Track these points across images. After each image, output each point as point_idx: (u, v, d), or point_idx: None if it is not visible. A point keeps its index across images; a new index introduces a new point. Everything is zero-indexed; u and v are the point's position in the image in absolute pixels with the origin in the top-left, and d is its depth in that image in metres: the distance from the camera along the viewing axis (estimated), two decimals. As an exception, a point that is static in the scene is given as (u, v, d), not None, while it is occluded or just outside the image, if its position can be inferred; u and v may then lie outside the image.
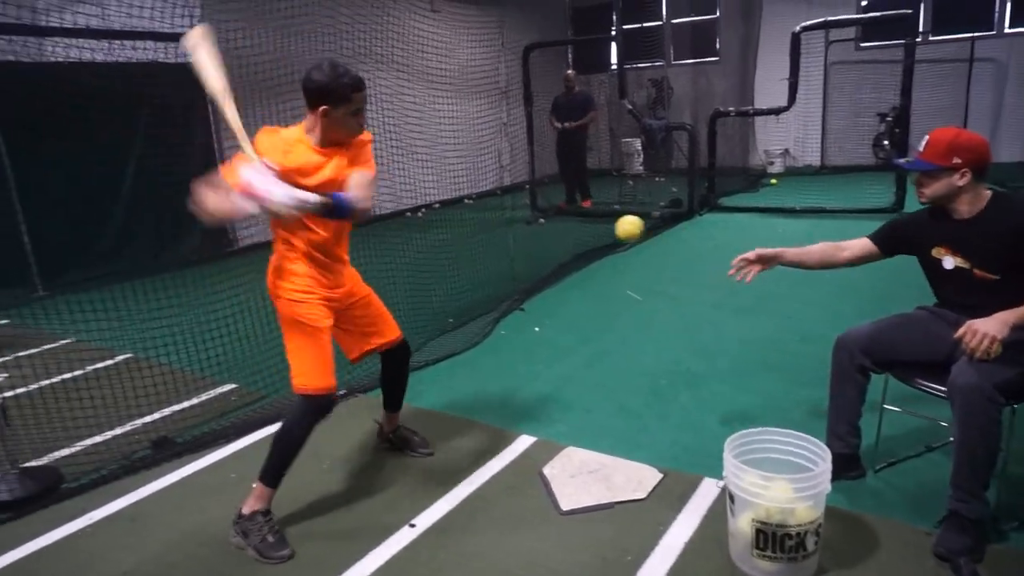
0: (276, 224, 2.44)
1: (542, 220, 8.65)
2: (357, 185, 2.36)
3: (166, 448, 3.25)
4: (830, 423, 2.64)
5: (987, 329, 2.13)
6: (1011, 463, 2.52)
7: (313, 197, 2.19)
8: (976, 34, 10.32)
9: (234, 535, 2.49)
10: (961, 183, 2.33)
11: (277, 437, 2.51)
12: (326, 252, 2.51)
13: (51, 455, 3.22)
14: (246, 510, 2.49)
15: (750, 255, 2.71)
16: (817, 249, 2.74)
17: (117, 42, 6.06)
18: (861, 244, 2.68)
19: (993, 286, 2.31)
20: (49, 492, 2.89)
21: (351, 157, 2.46)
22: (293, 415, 2.51)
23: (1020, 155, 10.16)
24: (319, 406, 2.49)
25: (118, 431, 3.46)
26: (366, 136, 2.54)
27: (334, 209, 2.26)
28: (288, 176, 2.26)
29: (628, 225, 2.56)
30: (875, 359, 2.51)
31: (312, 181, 2.35)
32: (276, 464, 2.50)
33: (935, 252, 2.48)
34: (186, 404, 3.76)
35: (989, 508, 2.22)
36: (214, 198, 2.19)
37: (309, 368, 2.47)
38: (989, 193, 2.37)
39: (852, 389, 2.56)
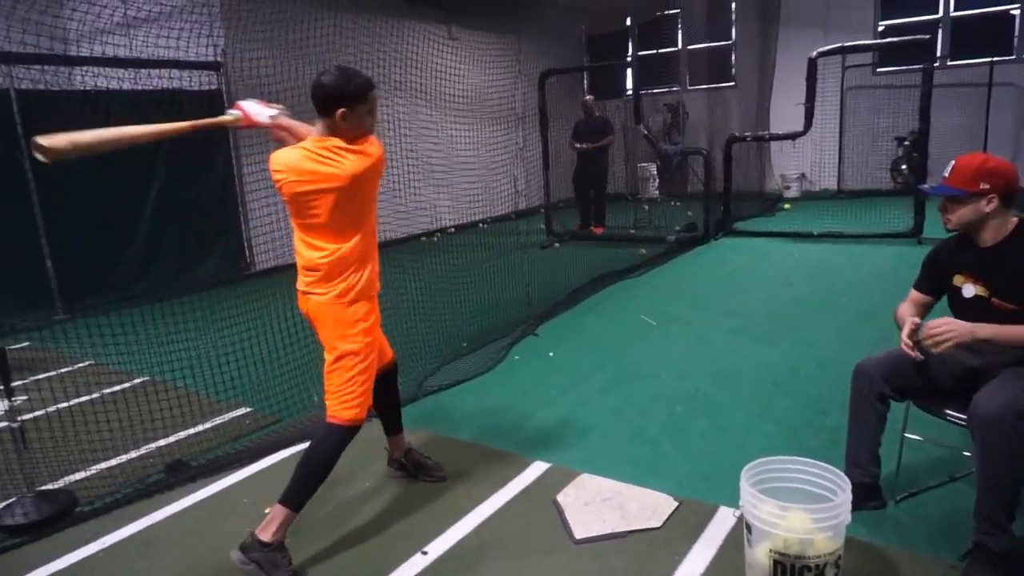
0: (359, 238, 2.44)
1: (557, 244, 8.66)
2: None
3: (180, 472, 3.25)
4: (849, 452, 2.59)
5: (954, 328, 2.18)
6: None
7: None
8: (995, 59, 10.28)
9: (246, 561, 2.40)
10: (988, 209, 2.29)
11: (309, 462, 2.49)
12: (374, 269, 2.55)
13: (67, 478, 3.24)
14: (268, 537, 2.40)
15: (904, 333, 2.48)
16: (909, 309, 2.55)
17: (144, 71, 6.22)
18: (915, 296, 2.58)
19: (1010, 315, 2.27)
20: (64, 515, 2.90)
21: None
22: (331, 442, 2.49)
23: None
24: (355, 433, 2.53)
25: (133, 454, 3.48)
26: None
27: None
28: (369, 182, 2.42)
29: None
30: (895, 386, 2.47)
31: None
32: (305, 489, 2.47)
33: (956, 280, 2.44)
34: (201, 428, 3.77)
35: (1016, 541, 2.16)
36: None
37: (360, 398, 2.49)
38: (1015, 220, 2.34)
39: (872, 417, 2.51)
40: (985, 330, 2.20)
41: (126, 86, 6.13)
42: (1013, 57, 10.47)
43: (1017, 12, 10.43)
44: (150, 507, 2.98)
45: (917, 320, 2.42)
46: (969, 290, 2.40)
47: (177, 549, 2.67)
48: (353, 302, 2.47)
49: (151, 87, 6.17)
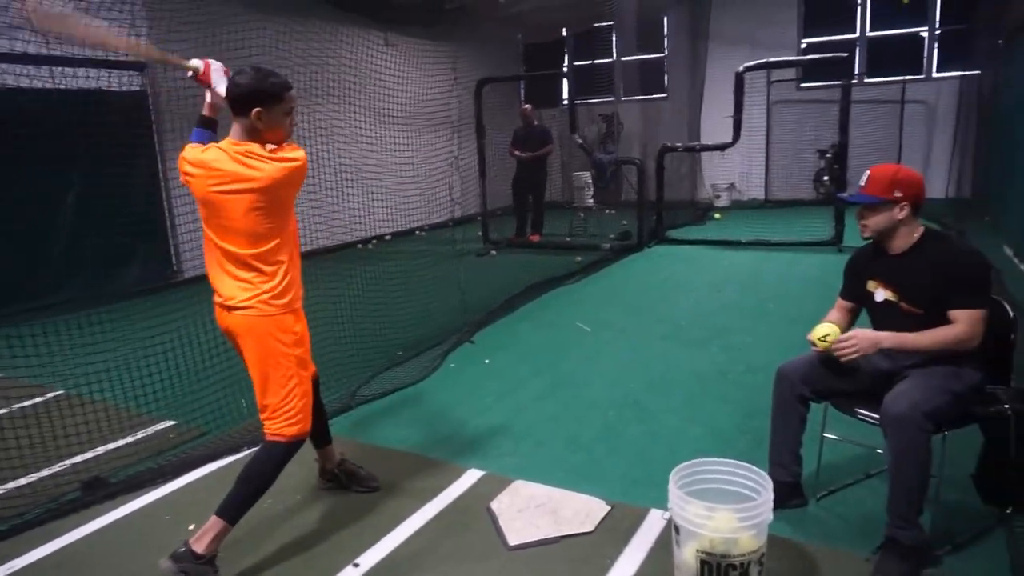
0: (278, 244, 2.36)
1: (493, 252, 8.69)
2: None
3: (98, 489, 3.10)
4: (772, 452, 2.68)
5: (857, 342, 2.34)
6: (944, 489, 2.59)
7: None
8: (907, 77, 10.88)
9: (176, 571, 2.31)
10: (900, 216, 2.42)
11: (248, 477, 2.42)
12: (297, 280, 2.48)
13: (-29, 499, 3.04)
14: (201, 549, 2.32)
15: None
16: (838, 320, 2.67)
17: (59, 69, 5.93)
18: (840, 304, 2.71)
19: (918, 319, 2.40)
20: (-33, 539, 2.72)
21: None
22: (273, 458, 2.43)
23: (949, 192, 10.67)
24: (297, 448, 2.47)
25: (45, 472, 3.29)
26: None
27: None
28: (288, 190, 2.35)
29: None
30: (814, 389, 2.57)
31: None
32: (244, 504, 2.41)
33: (869, 285, 2.57)
34: (121, 442, 3.60)
35: (925, 534, 2.27)
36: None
37: (301, 413, 2.43)
38: (922, 229, 2.47)
39: (793, 418, 2.61)
40: (888, 340, 2.34)
41: (38, 84, 5.83)
42: (923, 76, 11.11)
43: (927, 34, 11.07)
44: (64, 527, 2.83)
45: (822, 329, 2.53)
46: (880, 295, 2.52)
47: (93, 570, 2.54)
48: (281, 312, 2.39)
49: (68, 87, 5.89)
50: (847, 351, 2.37)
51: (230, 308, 2.38)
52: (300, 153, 2.34)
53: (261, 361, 2.39)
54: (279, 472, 2.46)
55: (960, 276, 2.32)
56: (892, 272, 2.49)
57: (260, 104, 2.27)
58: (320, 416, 2.93)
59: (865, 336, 2.37)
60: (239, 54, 5.32)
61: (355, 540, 2.65)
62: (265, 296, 2.36)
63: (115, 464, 3.35)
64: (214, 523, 2.36)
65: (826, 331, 2.50)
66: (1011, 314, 2.47)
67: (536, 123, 9.16)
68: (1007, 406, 2.41)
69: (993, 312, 2.41)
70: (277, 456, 2.44)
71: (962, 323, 2.30)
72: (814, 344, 2.52)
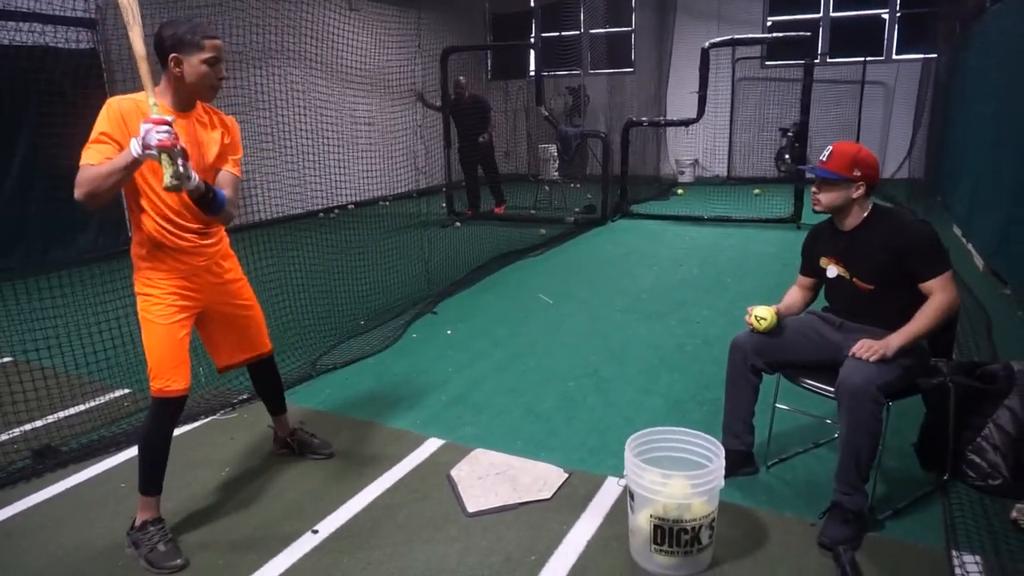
0: (130, 196, 2.30)
1: (458, 223, 8.65)
2: (231, 187, 2.40)
3: (49, 457, 3.04)
4: (725, 422, 2.75)
5: (876, 345, 2.32)
6: (887, 456, 2.70)
7: (195, 174, 2.16)
8: (867, 58, 11.05)
9: (127, 546, 2.40)
10: (856, 195, 2.48)
11: (139, 444, 2.43)
12: (180, 229, 2.36)
13: (-85, 467, 2.96)
14: (137, 521, 2.41)
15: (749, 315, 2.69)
16: (792, 298, 2.79)
17: (1, 23, 5.66)
18: (801, 279, 2.80)
19: (870, 295, 2.48)
20: (-89, 507, 2.65)
21: (223, 140, 2.42)
22: (148, 419, 2.43)
23: (904, 172, 10.94)
24: (168, 407, 2.39)
25: (-6, 440, 3.21)
26: (232, 121, 2.48)
27: (211, 198, 2.24)
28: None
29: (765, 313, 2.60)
30: (767, 360, 2.64)
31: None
32: (145, 472, 2.41)
33: (822, 262, 2.63)
34: (73, 410, 3.53)
35: (867, 499, 2.37)
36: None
37: (157, 368, 2.36)
38: (871, 206, 2.54)
39: (746, 388, 2.68)
40: (898, 340, 2.33)
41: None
42: (883, 58, 11.30)
43: (887, 17, 11.24)
44: (14, 496, 2.77)
45: (761, 311, 2.63)
46: (832, 271, 2.59)
47: (43, 538, 2.50)
48: (139, 266, 2.38)
49: (7, 42, 5.61)
50: (868, 355, 2.31)
51: None
52: (113, 100, 2.24)
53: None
54: (160, 432, 2.41)
55: (915, 248, 2.38)
56: (843, 249, 2.56)
57: (177, 51, 2.23)
58: (272, 388, 2.94)
59: (879, 344, 2.33)
60: (196, 13, 5.14)
61: (314, 507, 2.65)
62: (133, 247, 2.38)
63: (67, 432, 3.28)
64: (140, 499, 2.43)
65: (764, 315, 2.57)
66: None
67: (468, 95, 8.93)
68: (948, 379, 2.52)
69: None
70: (152, 413, 2.41)
71: (939, 291, 2.36)
72: (751, 325, 2.60)
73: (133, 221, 2.36)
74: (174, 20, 2.28)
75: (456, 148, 9.00)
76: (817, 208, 2.58)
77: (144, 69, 2.15)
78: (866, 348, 2.34)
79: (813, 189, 2.57)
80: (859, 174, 2.46)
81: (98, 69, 6.89)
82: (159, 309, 2.37)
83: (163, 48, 2.24)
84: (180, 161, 2.06)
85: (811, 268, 2.75)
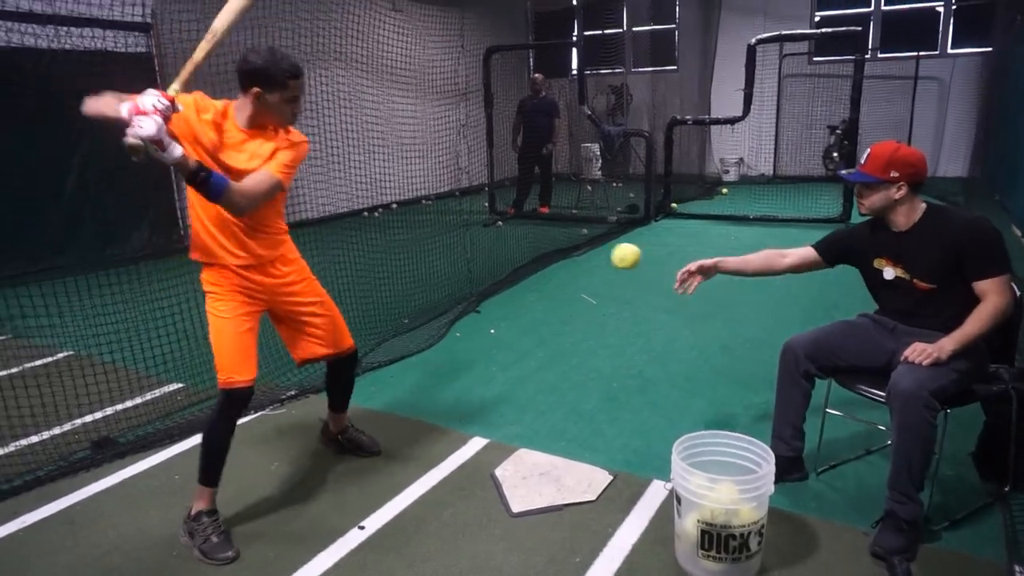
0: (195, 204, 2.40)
1: (500, 223, 8.67)
2: (250, 180, 2.28)
3: (107, 448, 3.15)
4: (775, 426, 2.70)
5: (929, 348, 2.26)
6: (943, 465, 2.63)
7: (178, 151, 2.03)
8: (921, 53, 10.72)
9: (183, 535, 2.47)
10: (897, 196, 2.41)
11: (202, 436, 2.51)
12: (219, 234, 2.42)
13: (-17, 456, 3.09)
14: (193, 511, 2.47)
15: (691, 266, 2.77)
16: (758, 257, 2.82)
17: (64, 29, 5.87)
18: (804, 252, 2.76)
19: (930, 294, 2.41)
20: (-20, 494, 2.77)
21: (279, 149, 2.42)
22: (214, 410, 2.49)
23: (960, 171, 10.59)
24: (234, 400, 2.45)
25: (56, 431, 3.34)
26: (300, 138, 2.49)
27: (201, 180, 2.08)
28: (196, 138, 2.27)
29: (625, 252, 2.66)
30: (819, 364, 2.58)
31: (227, 158, 2.33)
32: (206, 463, 2.47)
33: (876, 263, 2.57)
34: (130, 403, 3.65)
35: (923, 509, 2.30)
36: (102, 101, 2.21)
37: (222, 361, 2.43)
38: (924, 206, 2.47)
39: (797, 393, 2.63)
40: (951, 343, 2.28)
41: (44, 43, 5.78)
42: (937, 52, 10.95)
43: (942, 9, 10.88)
44: (74, 485, 2.88)
45: (707, 263, 2.76)
46: (889, 273, 2.52)
47: (102, 527, 2.59)
48: (202, 267, 2.50)
49: (71, 47, 5.82)
50: (922, 359, 2.26)
51: None
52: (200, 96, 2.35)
53: None
54: (224, 424, 2.46)
55: (973, 245, 2.31)
56: (899, 250, 2.49)
57: (261, 86, 2.28)
58: (341, 386, 2.99)
59: (932, 349, 2.27)
60: (246, 17, 5.26)
61: (360, 503, 2.69)
62: (190, 249, 2.49)
63: (124, 425, 3.40)
64: (197, 489, 2.49)
65: (625, 254, 2.74)
66: (1017, 293, 2.47)
67: (543, 93, 9.05)
68: (1010, 386, 2.43)
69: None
70: (216, 407, 2.48)
71: (994, 293, 2.29)
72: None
73: (195, 215, 2.46)
74: (259, 49, 2.31)
75: (519, 144, 9.03)
76: (863, 211, 2.53)
77: (189, 70, 2.20)
78: (918, 352, 2.28)
79: (856, 193, 2.52)
80: (896, 175, 2.39)
81: (152, 72, 7.10)
82: (222, 304, 2.46)
83: (246, 75, 2.29)
84: (153, 126, 1.97)
85: (834, 256, 2.70)
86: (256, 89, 2.28)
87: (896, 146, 2.44)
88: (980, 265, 2.31)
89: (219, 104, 2.38)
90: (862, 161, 2.48)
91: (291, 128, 2.49)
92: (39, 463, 3.01)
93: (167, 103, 2.04)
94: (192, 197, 2.37)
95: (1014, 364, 2.54)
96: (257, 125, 2.39)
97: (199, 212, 2.41)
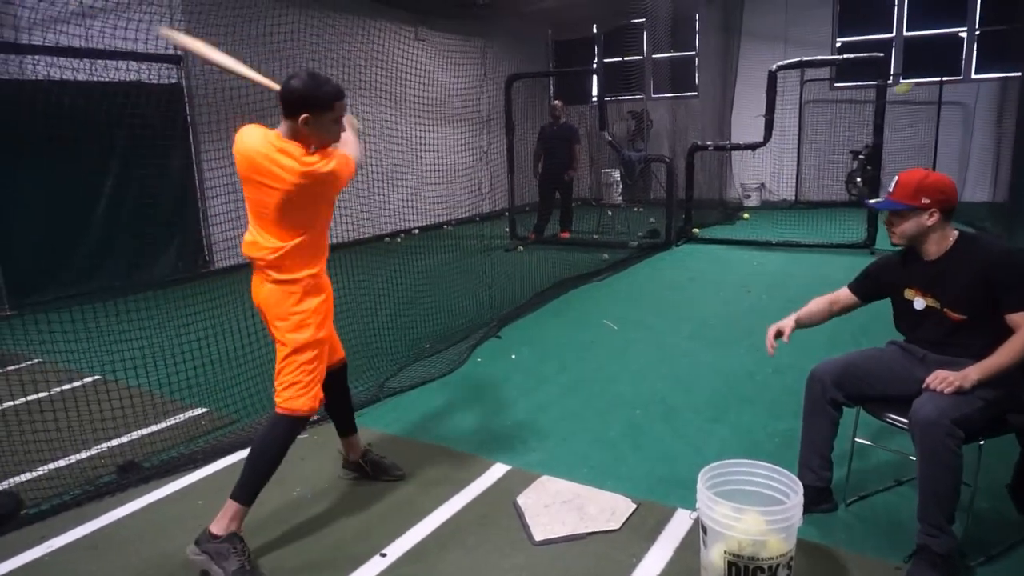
0: (307, 239, 2.44)
1: (520, 247, 8.69)
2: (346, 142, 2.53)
3: (132, 473, 3.17)
4: (802, 455, 2.66)
5: (952, 376, 2.23)
6: (979, 498, 2.55)
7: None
8: (944, 78, 10.66)
9: (198, 552, 2.42)
10: (930, 223, 2.38)
11: (256, 454, 2.48)
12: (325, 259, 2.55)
13: (12, 479, 3.13)
14: (218, 531, 2.41)
15: (772, 331, 2.69)
16: (817, 307, 2.73)
17: (99, 62, 6.06)
18: (845, 295, 2.72)
19: (962, 324, 2.37)
20: (9, 518, 2.80)
21: None
22: (280, 432, 2.48)
23: (987, 196, 10.44)
24: (304, 425, 2.52)
25: (83, 455, 3.38)
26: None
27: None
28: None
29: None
30: (847, 392, 2.54)
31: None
32: (254, 482, 2.46)
33: (907, 293, 2.52)
34: (154, 428, 3.69)
35: (957, 542, 2.24)
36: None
37: (310, 389, 2.48)
38: (956, 233, 2.43)
39: (824, 422, 2.58)
40: (976, 372, 2.24)
41: (80, 77, 5.96)
42: (961, 77, 10.87)
43: (965, 35, 10.83)
44: (99, 509, 2.90)
45: (784, 323, 2.67)
46: (920, 303, 2.48)
47: (127, 552, 2.61)
48: (303, 296, 2.48)
49: (107, 79, 6.01)
50: (944, 388, 2.23)
51: (260, 282, 2.50)
52: (329, 165, 2.36)
53: (281, 335, 2.48)
54: (286, 448, 2.49)
55: (1007, 277, 2.27)
56: (929, 279, 2.45)
57: (309, 111, 2.31)
58: (344, 405, 2.99)
59: (956, 377, 2.24)
60: (275, 48, 5.39)
61: (382, 529, 2.68)
62: (289, 276, 2.45)
63: (149, 449, 3.43)
64: (229, 505, 2.45)
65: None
66: None
67: (564, 120, 9.13)
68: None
69: None
70: (282, 430, 2.48)
71: None
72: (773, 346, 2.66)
73: (295, 259, 2.50)
74: (300, 74, 2.36)
75: (540, 170, 9.11)
76: (894, 240, 2.49)
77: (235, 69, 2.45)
78: (940, 379, 2.24)
79: (887, 223, 2.49)
80: (927, 201, 2.35)
81: (182, 102, 7.28)
82: (321, 331, 2.55)
83: (294, 103, 2.32)
84: None
85: (869, 292, 2.67)
86: (305, 115, 2.31)
87: (925, 172, 2.42)
88: (1013, 297, 2.26)
89: (250, 144, 2.40)
90: (890, 189, 2.46)
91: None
92: (66, 487, 3.04)
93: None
94: (320, 237, 2.50)
95: None
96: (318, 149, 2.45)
97: (316, 252, 2.51)
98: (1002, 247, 2.40)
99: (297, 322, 2.46)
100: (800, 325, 2.70)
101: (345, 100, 2.43)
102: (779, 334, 2.67)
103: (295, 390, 2.46)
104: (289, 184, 2.32)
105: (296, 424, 2.50)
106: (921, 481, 2.20)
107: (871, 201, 2.64)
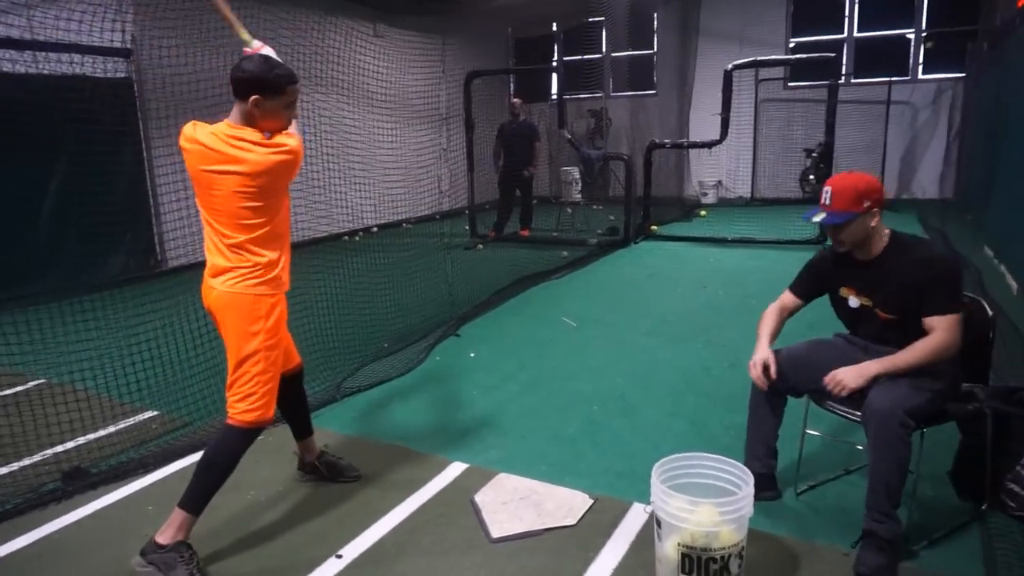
0: (267, 232, 2.37)
1: (480, 246, 8.68)
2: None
3: (79, 479, 3.07)
4: (748, 445, 2.71)
5: (845, 379, 2.32)
6: (922, 484, 2.64)
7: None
8: (893, 78, 10.98)
9: (144, 564, 2.37)
10: (874, 223, 2.40)
11: (207, 464, 2.42)
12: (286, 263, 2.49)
13: (-50, 488, 3.01)
14: (164, 540, 2.37)
15: (758, 368, 2.58)
16: (774, 322, 2.71)
17: (43, 54, 5.86)
18: (789, 300, 2.74)
19: (894, 323, 2.43)
20: (-55, 528, 2.69)
21: None
22: (232, 444, 2.43)
23: (935, 193, 10.79)
24: (256, 436, 2.46)
25: (26, 462, 3.26)
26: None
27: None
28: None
29: None
30: (791, 383, 2.59)
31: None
32: (203, 491, 2.41)
33: (842, 291, 2.58)
34: (103, 432, 3.58)
35: (902, 527, 2.31)
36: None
37: (263, 399, 2.42)
38: (888, 232, 2.46)
39: (768, 411, 2.63)
40: (874, 367, 2.33)
41: (21, 69, 5.75)
42: (908, 78, 11.21)
43: (912, 36, 11.17)
44: (44, 518, 2.81)
45: (762, 354, 2.59)
46: (854, 301, 2.53)
47: (73, 561, 2.53)
48: (258, 297, 2.39)
49: (49, 72, 5.81)
50: (839, 391, 2.34)
51: (211, 286, 2.40)
52: (293, 142, 2.33)
53: (232, 343, 2.41)
54: (237, 459, 2.45)
55: (933, 282, 2.31)
56: (864, 279, 2.48)
57: (260, 93, 2.27)
58: (300, 409, 2.94)
59: (852, 373, 2.34)
60: (228, 42, 5.27)
61: (338, 531, 2.65)
62: (249, 279, 2.37)
63: (97, 454, 3.33)
64: (176, 514, 2.39)
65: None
66: (989, 312, 2.51)
67: (523, 117, 9.14)
68: (984, 404, 2.46)
69: (971, 311, 2.45)
70: (235, 442, 2.43)
71: (941, 330, 2.30)
72: (764, 382, 2.56)
73: (255, 257, 2.42)
74: (255, 58, 2.33)
75: (500, 167, 9.10)
76: (842, 249, 2.49)
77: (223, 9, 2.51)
78: (835, 383, 2.34)
79: (831, 234, 2.48)
80: (869, 203, 2.37)
81: (132, 97, 7.08)
82: (274, 338, 2.47)
83: (244, 84, 2.27)
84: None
85: (810, 292, 2.69)
86: (256, 96, 2.27)
87: (857, 177, 2.42)
88: (933, 301, 2.31)
89: (201, 134, 2.32)
90: (826, 201, 2.42)
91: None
92: (7, 496, 2.93)
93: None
94: (282, 236, 2.43)
95: (988, 383, 2.57)
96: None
97: (276, 246, 2.43)
98: (932, 252, 2.41)
99: (246, 327, 2.38)
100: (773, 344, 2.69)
101: (298, 86, 2.39)
102: (766, 367, 2.56)
103: (249, 402, 2.40)
104: (251, 166, 2.24)
105: (248, 435, 2.44)
106: (872, 470, 2.26)
107: (818, 218, 2.47)
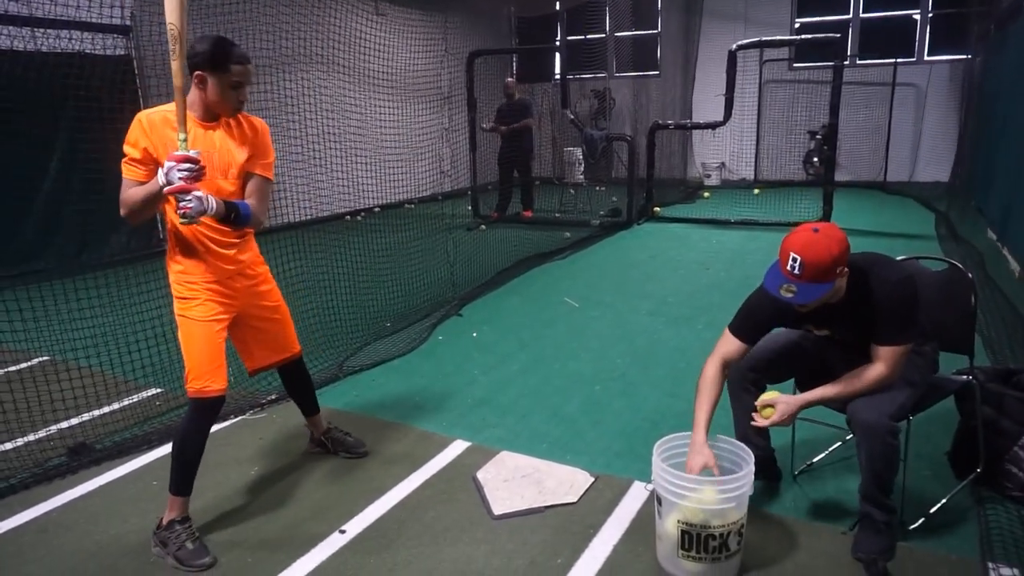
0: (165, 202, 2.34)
1: (483, 226, 8.67)
2: (258, 194, 2.43)
3: (83, 455, 3.10)
4: (737, 430, 2.63)
5: (782, 413, 2.29)
6: (919, 465, 2.66)
7: (215, 203, 2.20)
8: (898, 59, 10.89)
9: (154, 545, 2.44)
10: (843, 282, 2.23)
11: (177, 444, 2.46)
12: (212, 240, 2.43)
13: (-44, 463, 3.04)
14: (164, 521, 2.44)
15: (696, 470, 2.25)
16: (716, 391, 2.40)
17: (41, 31, 5.81)
18: (734, 349, 2.42)
19: (856, 348, 2.35)
20: (-48, 502, 2.72)
21: (252, 144, 2.44)
22: (187, 419, 2.46)
23: (939, 175, 10.74)
24: (206, 408, 2.44)
25: (31, 437, 3.29)
26: (261, 124, 2.50)
27: (234, 218, 2.29)
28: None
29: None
30: (764, 375, 2.55)
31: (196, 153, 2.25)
32: (179, 472, 2.45)
33: (804, 327, 2.48)
34: (107, 409, 3.61)
35: (896, 509, 2.32)
36: (140, 198, 2.28)
37: (196, 368, 2.40)
38: (846, 271, 2.22)
39: (748, 401, 2.50)
40: (811, 398, 2.29)
41: (20, 45, 5.71)
42: (914, 59, 11.12)
43: (919, 17, 11.06)
44: (49, 492, 2.84)
45: (711, 455, 2.27)
46: (818, 332, 2.45)
47: (77, 535, 2.56)
48: (177, 265, 2.43)
49: (51, 49, 5.76)
50: (776, 422, 2.30)
51: None
52: (142, 114, 2.31)
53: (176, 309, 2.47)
54: (197, 434, 2.45)
55: (884, 313, 2.22)
56: (817, 318, 2.35)
57: (204, 69, 2.27)
58: (304, 390, 2.98)
59: (787, 403, 2.30)
60: (228, 20, 5.23)
61: (341, 507, 2.68)
62: (168, 252, 2.45)
63: (101, 431, 3.35)
64: (169, 498, 2.46)
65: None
66: (969, 275, 2.47)
67: (517, 97, 9.06)
68: (971, 377, 2.47)
69: (952, 278, 2.48)
70: (195, 415, 2.44)
71: (883, 361, 2.23)
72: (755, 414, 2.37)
73: (168, 226, 2.42)
74: (208, 37, 2.32)
75: (497, 149, 9.05)
76: (806, 311, 2.27)
77: (179, 101, 2.15)
78: (775, 420, 2.30)
79: (788, 296, 2.15)
80: (841, 267, 2.14)
81: (132, 75, 7.03)
82: (198, 309, 2.42)
83: (191, 57, 2.28)
84: (195, 201, 2.12)
85: (757, 334, 2.40)
86: (200, 72, 2.27)
87: (827, 236, 2.13)
88: (882, 331, 2.24)
89: (166, 108, 2.32)
90: (795, 271, 2.11)
91: (249, 116, 2.48)
92: (13, 470, 2.96)
93: (191, 165, 2.10)
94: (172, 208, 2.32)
95: (973, 354, 2.55)
96: (212, 116, 2.38)
97: (196, 231, 2.39)
98: (890, 284, 2.22)
99: (175, 297, 2.44)
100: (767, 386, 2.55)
101: (249, 67, 2.36)
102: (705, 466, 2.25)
103: (186, 371, 2.41)
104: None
105: (207, 406, 2.43)
106: (863, 468, 2.24)
107: (788, 295, 2.16)
